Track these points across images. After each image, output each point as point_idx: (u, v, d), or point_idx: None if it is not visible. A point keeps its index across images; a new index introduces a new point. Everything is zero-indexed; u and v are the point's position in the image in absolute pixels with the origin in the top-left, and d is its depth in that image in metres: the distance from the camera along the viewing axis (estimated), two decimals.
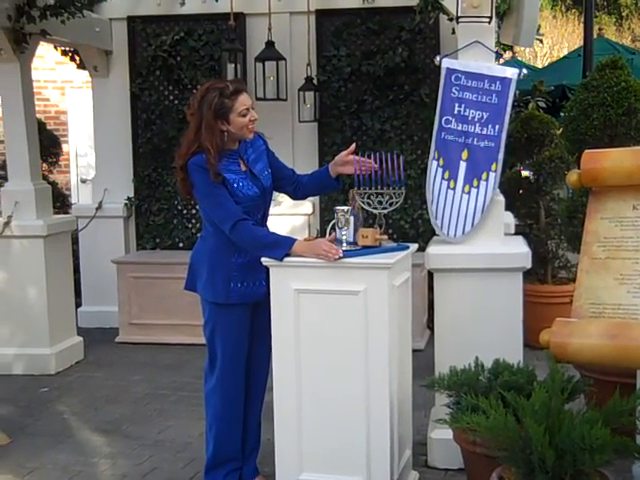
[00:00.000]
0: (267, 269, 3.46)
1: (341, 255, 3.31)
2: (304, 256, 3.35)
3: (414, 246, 3.71)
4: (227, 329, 3.60)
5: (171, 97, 6.98)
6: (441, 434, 3.81)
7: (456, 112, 3.92)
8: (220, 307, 3.58)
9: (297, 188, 3.83)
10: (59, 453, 4.25)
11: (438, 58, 4.02)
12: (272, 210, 6.95)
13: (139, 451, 4.25)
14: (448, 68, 3.95)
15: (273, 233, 3.50)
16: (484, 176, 3.87)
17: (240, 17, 6.61)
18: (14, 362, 5.65)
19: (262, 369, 3.73)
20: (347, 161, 3.69)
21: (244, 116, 3.50)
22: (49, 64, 10.37)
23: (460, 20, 3.91)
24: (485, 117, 3.88)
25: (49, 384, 5.46)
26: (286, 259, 3.37)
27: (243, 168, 3.59)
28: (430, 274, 4.40)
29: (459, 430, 3.14)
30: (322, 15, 6.66)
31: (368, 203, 3.61)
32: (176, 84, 6.94)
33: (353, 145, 3.69)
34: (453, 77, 3.93)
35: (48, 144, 7.77)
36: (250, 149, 3.65)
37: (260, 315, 3.57)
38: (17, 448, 4.32)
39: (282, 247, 3.38)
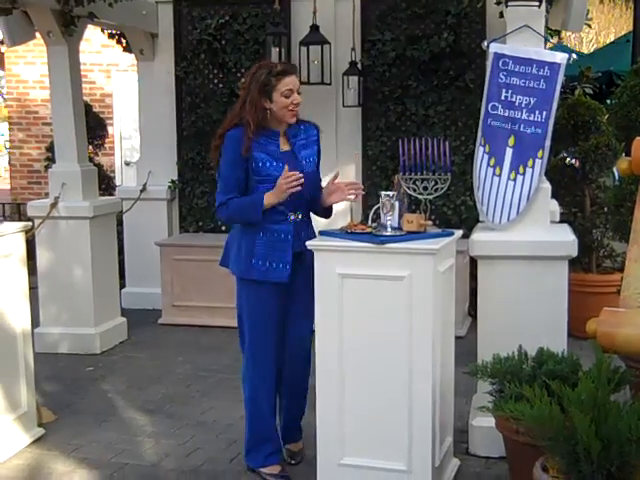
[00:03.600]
0: (294, 253, 3.57)
1: (301, 177, 3.46)
2: (277, 204, 3.53)
3: (459, 232, 3.70)
4: (252, 307, 3.66)
5: (215, 80, 7.00)
6: (483, 422, 3.79)
7: (503, 98, 3.88)
8: (245, 284, 3.67)
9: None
10: (104, 431, 4.32)
11: (486, 43, 3.98)
12: None
13: (182, 431, 4.31)
14: (496, 53, 3.90)
15: (249, 197, 3.59)
16: (530, 163, 3.83)
17: (285, 1, 6.60)
18: (60, 341, 5.75)
19: (299, 354, 3.77)
20: (332, 191, 3.66)
21: (287, 97, 3.55)
22: (95, 47, 10.47)
23: (509, 4, 3.86)
24: (532, 103, 3.83)
25: (94, 363, 5.54)
26: (331, 243, 3.40)
27: (285, 148, 3.64)
28: (473, 261, 4.38)
29: (502, 418, 3.12)
30: None
31: (413, 189, 3.60)
32: (221, 68, 6.96)
33: (337, 171, 3.66)
34: (501, 62, 3.88)
35: (94, 126, 7.86)
36: (303, 134, 3.70)
37: (295, 299, 3.66)
38: (63, 425, 4.40)
39: (255, 208, 3.52)
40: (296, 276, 3.64)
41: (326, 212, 3.78)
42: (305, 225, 3.73)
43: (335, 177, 3.63)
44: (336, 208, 6.74)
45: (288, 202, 3.60)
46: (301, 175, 3.50)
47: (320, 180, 3.83)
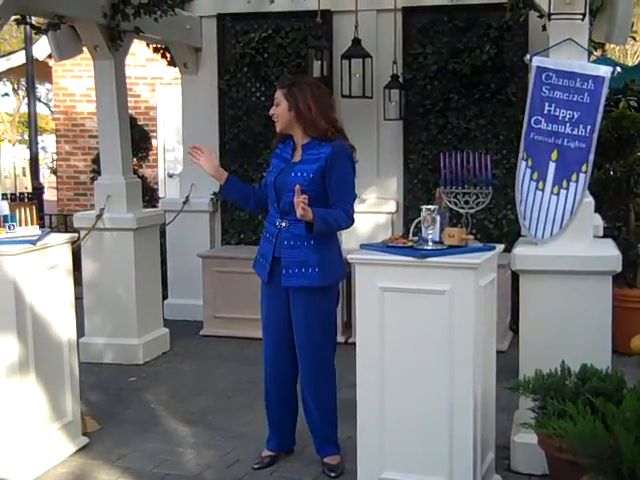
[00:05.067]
0: (273, 257, 3.79)
1: (195, 147, 4.02)
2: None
3: (500, 246, 3.69)
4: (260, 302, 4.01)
5: (258, 94, 7.06)
6: (525, 438, 3.75)
7: (546, 112, 3.86)
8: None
9: None
10: (146, 441, 4.37)
11: (528, 56, 3.97)
12: (356, 208, 7.00)
13: (223, 443, 4.33)
14: (539, 66, 3.88)
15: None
16: (574, 177, 3.81)
17: (327, 14, 6.65)
18: (104, 351, 5.83)
19: (300, 357, 3.90)
20: (296, 204, 3.61)
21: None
22: (140, 61, 10.64)
23: (552, 17, 3.84)
24: (576, 117, 3.81)
25: (137, 373, 5.61)
26: (372, 257, 3.41)
27: (297, 159, 3.84)
28: (514, 275, 4.35)
29: (545, 435, 3.10)
30: (409, 12, 6.64)
31: (455, 202, 3.59)
32: (263, 81, 7.02)
33: (297, 187, 3.62)
34: (544, 76, 3.87)
35: (139, 139, 7.98)
36: (317, 149, 3.81)
37: (292, 310, 3.84)
38: (107, 434, 4.46)
39: None
40: (281, 282, 3.81)
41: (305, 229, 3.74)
42: (293, 235, 3.78)
43: (298, 192, 3.59)
44: (377, 221, 6.80)
45: (277, 208, 3.83)
46: (195, 146, 4.04)
47: (334, 199, 3.80)
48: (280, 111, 3.83)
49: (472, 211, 3.58)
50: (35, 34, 7.72)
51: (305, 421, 4.02)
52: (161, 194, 9.99)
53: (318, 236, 3.74)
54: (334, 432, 3.99)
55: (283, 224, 3.81)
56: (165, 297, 6.94)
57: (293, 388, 4.03)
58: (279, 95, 3.84)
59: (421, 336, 3.33)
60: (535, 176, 3.85)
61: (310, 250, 3.75)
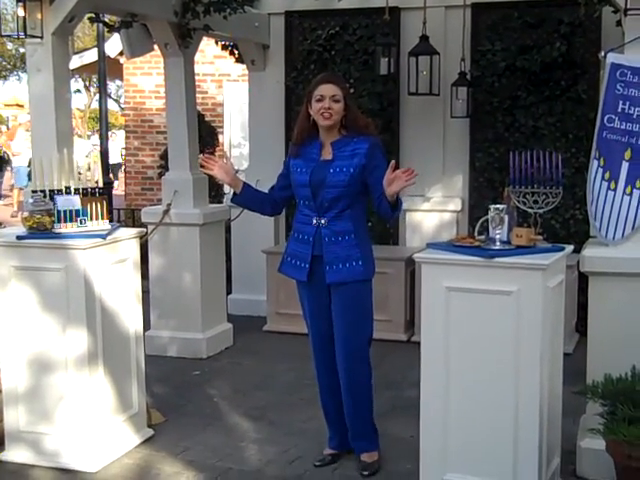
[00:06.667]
0: (314, 255, 3.77)
1: (208, 158, 4.04)
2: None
3: (569, 247, 3.62)
4: (300, 303, 4.03)
5: None
6: (592, 444, 3.66)
7: (620, 110, 3.76)
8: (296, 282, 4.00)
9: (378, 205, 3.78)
10: (209, 435, 4.42)
11: (603, 53, 3.87)
12: (421, 206, 6.96)
13: (284, 439, 4.35)
14: (613, 63, 3.79)
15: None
16: None
17: (395, 11, 6.60)
18: (169, 344, 5.91)
19: (337, 350, 3.92)
20: (390, 181, 3.55)
21: (318, 102, 3.79)
22: (208, 58, 10.75)
23: (629, 12, 3.74)
24: None
25: (200, 368, 5.67)
26: (438, 256, 3.38)
27: (327, 157, 3.82)
28: (581, 275, 4.27)
29: (614, 442, 3.03)
30: (478, 9, 6.54)
31: (523, 202, 3.54)
32: None
33: (392, 162, 3.59)
34: (618, 73, 3.77)
35: (206, 135, 8.06)
36: (351, 146, 3.80)
37: (333, 300, 3.83)
38: (171, 427, 4.52)
39: None
40: (322, 279, 3.80)
41: (391, 210, 3.66)
42: (334, 232, 3.79)
43: (392, 168, 3.56)
44: (442, 219, 6.74)
45: (313, 206, 3.80)
46: (209, 157, 4.08)
47: (364, 189, 3.83)
48: (339, 108, 3.80)
49: (541, 211, 3.52)
50: (107, 32, 7.87)
51: (345, 416, 3.97)
52: (227, 190, 10.07)
53: (357, 230, 3.79)
54: (368, 426, 3.96)
55: (322, 221, 3.80)
56: (229, 292, 7.00)
57: None
58: (338, 92, 3.80)
59: (487, 337, 3.29)
60: (607, 176, 3.77)
61: (352, 244, 3.77)
